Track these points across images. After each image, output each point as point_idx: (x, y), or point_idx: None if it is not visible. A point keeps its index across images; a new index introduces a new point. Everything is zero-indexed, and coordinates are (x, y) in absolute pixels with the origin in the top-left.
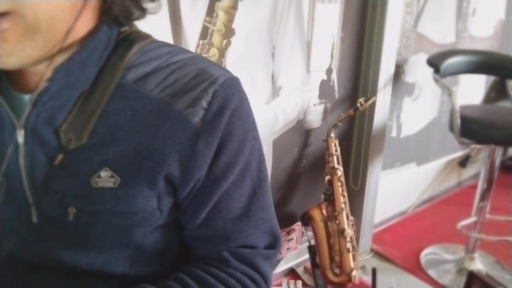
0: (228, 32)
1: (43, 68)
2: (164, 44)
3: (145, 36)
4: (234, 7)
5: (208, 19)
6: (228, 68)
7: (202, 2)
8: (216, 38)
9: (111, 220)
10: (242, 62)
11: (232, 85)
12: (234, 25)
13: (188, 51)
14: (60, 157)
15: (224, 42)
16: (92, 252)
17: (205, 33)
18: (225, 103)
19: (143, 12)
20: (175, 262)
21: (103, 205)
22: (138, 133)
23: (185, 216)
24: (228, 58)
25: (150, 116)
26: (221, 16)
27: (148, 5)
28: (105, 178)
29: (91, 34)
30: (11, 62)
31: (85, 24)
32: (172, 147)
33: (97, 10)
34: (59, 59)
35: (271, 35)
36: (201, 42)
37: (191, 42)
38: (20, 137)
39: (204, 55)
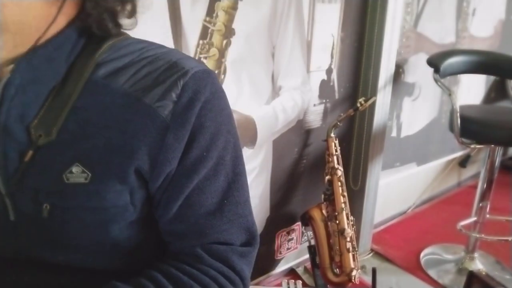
0: (228, 32)
1: (11, 66)
2: (139, 41)
3: (119, 33)
4: (234, 7)
5: (208, 19)
6: (228, 68)
7: (202, 2)
8: (216, 38)
9: (84, 216)
10: (242, 62)
11: (204, 77)
12: (234, 25)
13: (163, 47)
14: (30, 153)
15: (224, 42)
16: (69, 248)
17: (205, 33)
18: (196, 95)
19: (118, 27)
20: (155, 256)
21: (76, 200)
22: (108, 128)
23: (157, 210)
24: (228, 58)
25: (120, 111)
26: (221, 16)
27: (124, 21)
28: (77, 173)
29: (59, 32)
30: None
31: (56, 30)
32: (141, 141)
33: (71, 17)
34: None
35: (271, 35)
36: (201, 42)
37: (191, 42)
38: None
39: (204, 55)
